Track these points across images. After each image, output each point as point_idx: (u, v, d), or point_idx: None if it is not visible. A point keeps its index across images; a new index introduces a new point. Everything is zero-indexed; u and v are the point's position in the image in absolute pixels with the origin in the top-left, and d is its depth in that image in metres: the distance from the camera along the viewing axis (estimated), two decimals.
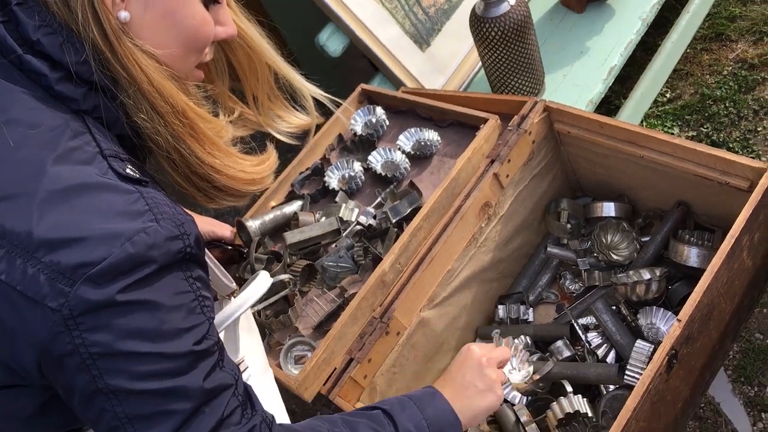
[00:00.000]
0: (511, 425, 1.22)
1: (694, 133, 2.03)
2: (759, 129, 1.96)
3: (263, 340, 1.22)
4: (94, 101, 0.73)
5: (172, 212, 0.70)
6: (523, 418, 1.22)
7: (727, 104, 2.03)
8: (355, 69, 1.86)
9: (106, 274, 0.64)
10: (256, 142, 0.95)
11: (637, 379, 1.18)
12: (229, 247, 1.36)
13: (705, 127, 2.03)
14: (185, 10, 0.77)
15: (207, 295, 0.73)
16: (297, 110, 1.00)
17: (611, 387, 1.23)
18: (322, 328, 1.27)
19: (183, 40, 0.78)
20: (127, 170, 0.71)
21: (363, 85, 1.63)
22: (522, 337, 1.33)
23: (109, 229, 0.66)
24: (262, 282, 1.03)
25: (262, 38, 0.94)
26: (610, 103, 2.13)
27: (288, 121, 0.99)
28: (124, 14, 0.73)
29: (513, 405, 1.25)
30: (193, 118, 0.77)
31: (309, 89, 0.98)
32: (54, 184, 0.67)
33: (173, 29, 0.77)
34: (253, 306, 1.23)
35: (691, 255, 1.25)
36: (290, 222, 1.42)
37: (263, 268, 1.34)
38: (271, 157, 0.90)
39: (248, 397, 0.76)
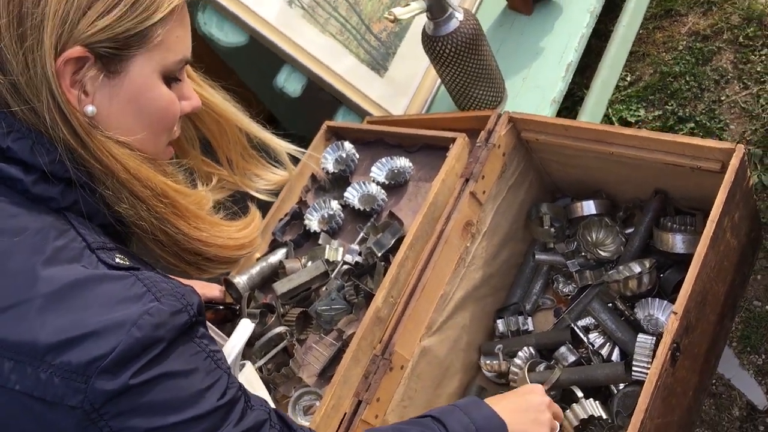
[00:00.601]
0: None
1: (660, 112, 2.06)
2: (722, 98, 1.99)
3: (270, 395, 1.21)
4: (73, 197, 0.73)
5: (171, 287, 0.70)
6: None
7: (687, 79, 2.06)
8: (318, 102, 1.87)
9: (118, 362, 0.65)
10: (237, 204, 0.95)
11: (644, 372, 1.19)
12: (221, 307, 1.36)
13: (669, 104, 2.05)
14: (149, 95, 0.77)
15: (216, 348, 0.74)
16: (273, 166, 1.01)
17: (621, 385, 1.23)
18: (325, 374, 1.27)
19: (151, 124, 0.79)
20: (117, 259, 0.71)
21: (328, 123, 1.63)
22: (525, 348, 1.33)
23: (113, 318, 0.66)
24: (243, 329, 1.04)
25: (227, 102, 0.94)
26: (573, 95, 2.15)
27: (266, 179, 1.00)
28: (90, 109, 0.74)
29: None
30: (174, 196, 0.78)
31: (282, 146, 0.99)
32: (48, 287, 0.67)
33: (140, 115, 0.77)
34: (253, 362, 1.23)
35: (676, 242, 1.26)
36: (277, 271, 1.42)
37: (257, 322, 1.34)
38: (256, 218, 0.90)
39: (283, 422, 0.78)
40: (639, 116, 2.06)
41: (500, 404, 0.96)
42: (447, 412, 0.89)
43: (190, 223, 0.79)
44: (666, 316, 1.24)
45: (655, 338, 1.20)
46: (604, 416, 1.20)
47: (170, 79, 0.80)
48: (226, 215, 0.88)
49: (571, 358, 1.30)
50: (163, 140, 0.82)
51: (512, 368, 1.33)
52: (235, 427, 0.71)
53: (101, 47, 0.73)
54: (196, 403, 0.68)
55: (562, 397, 1.28)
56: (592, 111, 1.97)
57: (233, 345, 0.99)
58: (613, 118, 2.10)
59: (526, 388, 1.06)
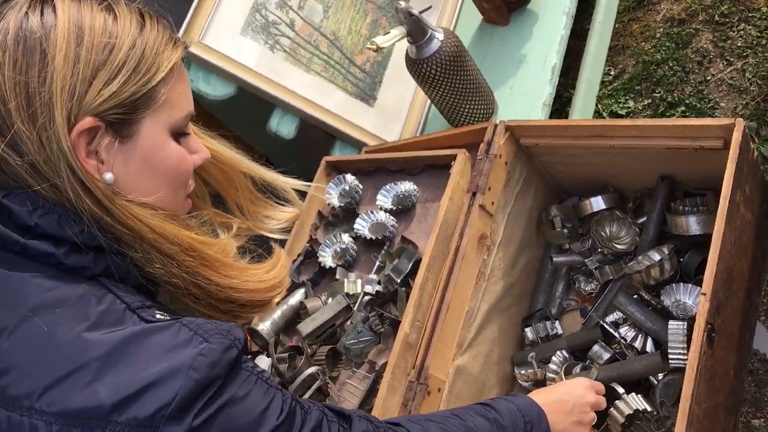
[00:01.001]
0: None
1: (649, 101, 2.07)
2: (708, 78, 2.01)
3: None
4: (105, 263, 0.74)
5: (215, 326, 0.71)
6: None
7: (670, 64, 2.08)
8: (313, 141, 1.88)
9: (182, 407, 0.66)
10: (260, 247, 0.95)
11: (681, 359, 1.18)
12: (249, 356, 1.35)
13: (657, 92, 2.07)
14: (162, 153, 0.79)
15: (261, 369, 0.75)
16: (282, 205, 1.01)
17: (660, 375, 1.22)
18: (364, 407, 1.25)
19: (168, 181, 0.80)
20: (157, 315, 0.72)
21: (326, 158, 1.64)
22: (558, 353, 1.32)
23: (168, 366, 0.67)
24: (261, 365, 1.04)
25: (229, 149, 0.95)
26: (561, 97, 2.17)
27: (277, 218, 1.00)
28: (109, 176, 0.75)
29: None
30: (200, 248, 0.79)
31: (287, 183, 0.99)
32: (101, 349, 0.67)
33: (156, 174, 0.79)
34: None
35: (690, 224, 1.26)
36: (299, 313, 1.41)
37: (287, 366, 1.33)
38: (282, 256, 0.91)
39: (336, 412, 0.80)
40: (629, 108, 2.08)
41: (544, 401, 1.01)
42: (491, 400, 0.97)
43: (219, 272, 0.80)
44: (693, 299, 1.23)
45: (686, 323, 1.20)
46: (649, 408, 1.19)
47: (178, 134, 0.81)
48: (252, 259, 0.88)
49: (606, 356, 1.29)
50: (181, 195, 0.83)
51: (548, 374, 1.32)
52: None
53: (110, 114, 0.74)
54: (260, 424, 0.70)
55: (604, 395, 1.26)
56: (582, 110, 1.98)
57: None
58: (604, 114, 2.12)
59: (571, 384, 1.08)
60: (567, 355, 1.32)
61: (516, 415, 0.94)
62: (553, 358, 1.32)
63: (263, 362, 1.31)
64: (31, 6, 0.74)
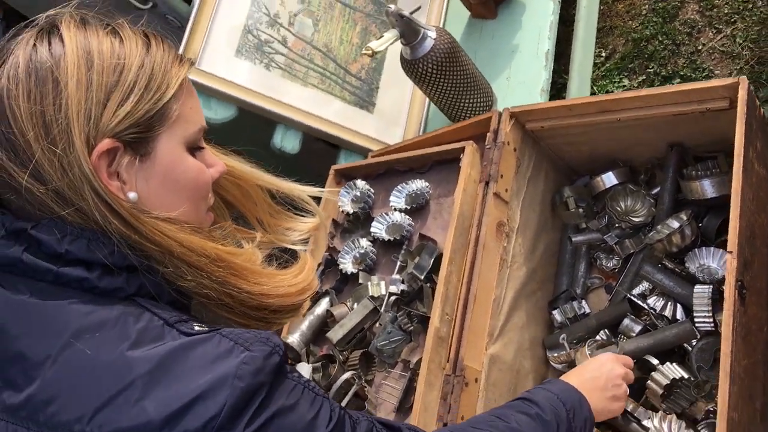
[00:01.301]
0: (620, 419, 1.20)
1: (644, 77, 2.09)
2: (699, 47, 2.02)
3: None
4: (138, 282, 0.74)
5: (254, 335, 0.72)
6: (630, 407, 1.20)
7: (660, 39, 2.10)
8: (317, 154, 1.89)
9: (231, 416, 0.66)
10: (285, 252, 0.95)
11: (708, 322, 1.19)
12: (293, 366, 1.35)
13: (650, 67, 2.08)
14: (181, 168, 0.79)
15: (307, 379, 0.75)
16: (302, 215, 1.02)
17: (694, 341, 1.22)
18: (403, 407, 1.25)
19: (189, 195, 0.80)
20: (195, 327, 0.72)
21: (335, 167, 1.65)
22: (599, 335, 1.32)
23: (213, 378, 0.67)
24: (301, 371, 1.04)
25: (244, 164, 0.96)
26: (556, 84, 2.18)
27: (298, 230, 1.00)
28: (133, 195, 0.75)
29: None
30: (228, 258, 0.79)
31: (305, 191, 1.00)
32: (145, 366, 0.68)
33: (177, 189, 0.79)
34: None
35: (705, 188, 1.26)
36: (327, 321, 1.41)
37: (321, 375, 1.33)
38: (308, 260, 0.91)
39: (387, 426, 0.81)
40: (624, 86, 2.09)
41: (578, 381, 1.03)
42: (530, 392, 0.98)
43: (249, 280, 0.80)
44: (717, 261, 1.24)
45: (711, 287, 1.20)
46: (686, 376, 1.19)
47: (194, 149, 0.82)
48: (279, 265, 0.89)
49: (637, 328, 1.29)
50: (203, 208, 0.84)
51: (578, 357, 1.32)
52: None
53: (127, 134, 0.74)
54: None
55: (640, 368, 1.27)
56: (578, 93, 1.99)
57: None
58: (600, 94, 2.13)
59: (601, 360, 1.10)
60: (605, 337, 1.32)
61: (556, 404, 0.95)
62: (589, 340, 1.31)
63: (304, 369, 1.32)
64: (38, 38, 0.75)
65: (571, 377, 1.06)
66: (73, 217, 0.73)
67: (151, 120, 0.76)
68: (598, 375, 1.07)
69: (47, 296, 0.72)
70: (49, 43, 0.74)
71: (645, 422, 1.16)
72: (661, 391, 1.20)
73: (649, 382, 1.21)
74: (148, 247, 0.74)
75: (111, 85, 0.74)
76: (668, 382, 1.20)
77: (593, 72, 2.12)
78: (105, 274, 0.73)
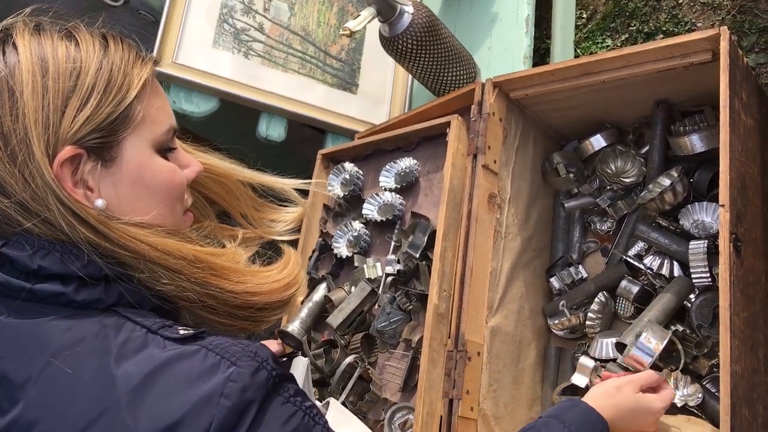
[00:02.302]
0: None
1: (627, 35, 2.07)
2: (680, 2, 2.00)
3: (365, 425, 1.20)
4: (116, 291, 0.73)
5: (241, 348, 0.70)
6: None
7: None
8: (304, 140, 1.88)
9: None
10: (270, 249, 0.95)
11: (704, 277, 1.18)
12: (284, 359, 1.35)
13: (632, 25, 2.06)
14: (150, 171, 0.77)
15: (310, 404, 0.73)
16: (286, 206, 1.00)
17: (692, 298, 1.22)
18: (408, 386, 1.26)
19: (161, 197, 0.78)
20: (181, 331, 0.71)
21: (321, 151, 1.64)
22: (597, 299, 1.31)
23: (199, 395, 0.65)
24: (299, 366, 1.04)
25: (223, 160, 0.94)
26: (539, 50, 2.16)
27: (283, 220, 0.99)
28: (100, 202, 0.73)
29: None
30: (207, 258, 0.77)
31: (287, 184, 0.98)
32: (129, 383, 0.66)
33: (148, 192, 0.77)
34: (337, 396, 1.23)
35: (694, 142, 1.25)
36: (325, 307, 1.41)
37: (324, 361, 1.33)
38: (292, 254, 0.89)
39: None
40: (607, 46, 2.07)
41: (598, 396, 0.98)
42: (545, 426, 0.92)
43: (231, 279, 0.78)
44: (711, 215, 1.23)
45: (706, 241, 1.20)
46: (681, 329, 1.19)
47: (164, 150, 0.80)
48: (263, 262, 0.87)
49: (635, 289, 1.28)
50: (178, 210, 0.82)
51: (588, 323, 1.31)
52: None
53: (89, 140, 0.73)
54: None
55: None
56: (562, 57, 1.98)
57: None
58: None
59: (648, 397, 1.02)
60: (604, 299, 1.31)
61: None
62: (592, 306, 1.31)
63: (301, 363, 1.31)
64: None
65: (603, 400, 0.98)
66: (40, 228, 0.71)
67: (114, 124, 0.74)
68: (638, 415, 1.00)
69: (24, 315, 0.71)
70: (3, 53, 0.73)
71: None
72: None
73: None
74: (120, 254, 0.72)
75: (68, 91, 0.72)
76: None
77: (576, 34, 2.11)
78: (82, 286, 0.71)
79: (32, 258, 0.71)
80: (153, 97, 0.79)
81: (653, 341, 1.11)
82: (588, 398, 0.99)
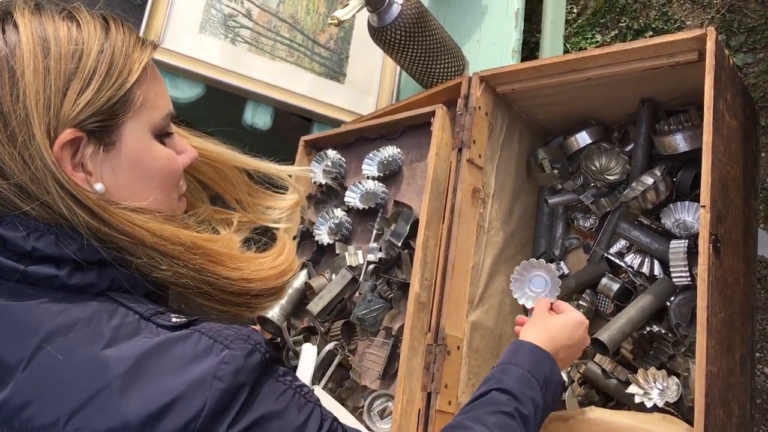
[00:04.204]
0: (602, 379, 1.21)
1: (616, 32, 2.07)
2: None
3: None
4: (110, 275, 0.72)
5: (234, 332, 0.70)
6: (608, 367, 1.21)
7: None
8: (290, 128, 1.86)
9: (212, 418, 0.64)
10: (264, 235, 0.94)
11: (684, 276, 1.19)
12: (287, 368, 1.35)
13: (622, 21, 2.06)
14: (149, 156, 0.77)
15: (300, 383, 0.73)
16: (281, 193, 1.00)
17: (672, 297, 1.22)
18: (387, 374, 1.26)
19: (159, 183, 0.78)
20: (173, 319, 0.71)
21: (304, 138, 1.63)
22: (585, 295, 1.31)
23: (192, 378, 0.65)
24: (309, 354, 1.04)
25: (218, 146, 0.93)
26: (528, 44, 2.16)
27: (278, 207, 0.99)
28: (99, 186, 0.73)
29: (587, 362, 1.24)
30: (204, 245, 0.77)
31: (283, 170, 0.98)
32: (121, 366, 0.66)
33: (146, 177, 0.77)
34: (317, 383, 1.23)
35: (678, 142, 1.26)
36: (305, 294, 1.41)
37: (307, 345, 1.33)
38: (287, 241, 0.89)
39: None
40: (597, 42, 2.07)
41: (547, 336, 1.01)
42: (504, 374, 0.94)
43: (228, 265, 0.78)
44: (692, 215, 1.24)
45: (686, 241, 1.20)
46: (656, 329, 1.20)
47: (162, 135, 0.79)
48: (258, 249, 0.87)
49: (615, 286, 1.29)
50: (174, 196, 0.81)
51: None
52: None
53: (90, 123, 0.72)
54: None
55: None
56: (551, 51, 1.98)
57: (303, 374, 0.99)
58: (573, 52, 2.11)
59: (565, 314, 1.07)
60: (591, 298, 1.32)
61: (530, 384, 0.92)
62: (581, 302, 1.31)
63: (310, 350, 1.26)
64: None
65: (539, 332, 1.02)
66: (38, 211, 0.70)
67: (114, 107, 0.73)
68: (564, 326, 1.04)
69: (16, 297, 0.70)
70: (3, 32, 0.71)
71: (630, 388, 1.16)
72: (630, 347, 1.21)
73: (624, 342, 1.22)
74: (119, 239, 0.72)
75: (70, 73, 0.71)
76: (637, 338, 1.21)
77: (565, 29, 2.10)
78: (75, 270, 0.71)
79: (26, 239, 0.70)
80: (152, 82, 0.78)
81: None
82: (524, 337, 1.01)
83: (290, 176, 1.00)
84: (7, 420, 0.67)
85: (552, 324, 1.04)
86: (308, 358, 1.02)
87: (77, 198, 0.70)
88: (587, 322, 1.08)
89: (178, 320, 0.71)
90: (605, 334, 1.17)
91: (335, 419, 0.75)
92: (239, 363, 0.67)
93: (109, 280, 0.72)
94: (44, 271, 0.70)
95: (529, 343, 0.99)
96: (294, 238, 1.51)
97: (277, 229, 0.96)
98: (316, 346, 1.07)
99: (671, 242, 1.21)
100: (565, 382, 1.00)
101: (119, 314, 0.70)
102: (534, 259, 1.36)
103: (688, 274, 1.19)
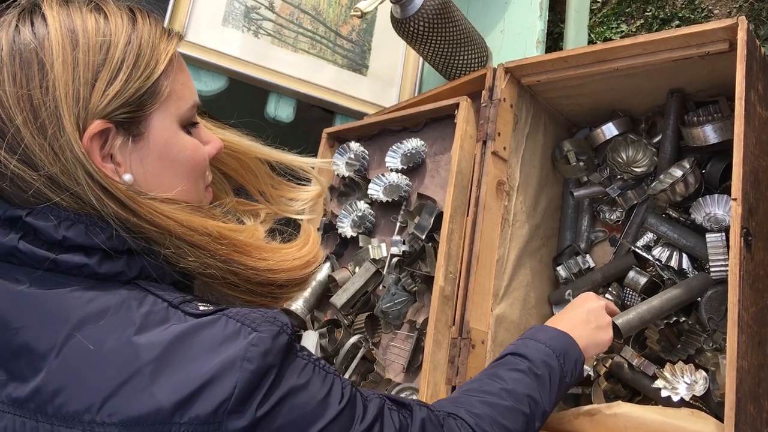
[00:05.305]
0: (628, 373, 1.20)
1: (642, 21, 2.04)
2: None
3: None
4: (139, 264, 0.73)
5: (260, 315, 0.71)
6: (635, 361, 1.20)
7: None
8: (313, 121, 1.86)
9: (242, 399, 0.65)
10: (289, 226, 0.94)
11: (724, 270, 1.17)
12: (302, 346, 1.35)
13: (648, 10, 2.03)
14: (176, 146, 0.77)
15: (318, 357, 0.75)
16: (303, 185, 1.00)
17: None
18: (412, 367, 1.26)
19: (186, 173, 0.79)
20: (201, 308, 0.71)
21: (326, 130, 1.62)
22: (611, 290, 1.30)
23: (222, 361, 0.66)
24: (309, 340, 1.04)
25: (241, 137, 0.94)
26: (552, 34, 2.14)
27: (301, 199, 0.99)
28: (128, 177, 0.74)
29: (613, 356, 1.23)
30: (231, 235, 0.78)
31: (305, 162, 0.98)
32: (152, 352, 0.67)
33: (174, 168, 0.77)
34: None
35: (708, 133, 1.24)
36: (329, 287, 1.41)
37: (327, 340, 1.33)
38: (312, 232, 0.90)
39: (398, 402, 0.80)
40: (622, 31, 2.04)
41: (562, 323, 1.04)
42: (521, 345, 0.97)
43: (254, 256, 0.79)
44: (723, 208, 1.21)
45: (723, 234, 1.18)
46: (683, 319, 1.18)
47: (188, 125, 0.80)
48: (283, 239, 0.87)
49: (642, 280, 1.27)
50: (201, 186, 0.82)
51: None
52: (363, 422, 0.72)
53: (119, 114, 0.73)
54: (323, 412, 0.70)
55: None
56: (576, 42, 1.95)
57: None
58: (598, 42, 2.09)
59: (580, 299, 1.11)
60: (618, 291, 1.30)
61: (547, 354, 0.95)
62: (607, 296, 1.30)
63: (311, 337, 1.31)
64: (21, 19, 0.73)
65: (555, 321, 1.06)
66: (68, 202, 0.71)
67: (142, 98, 0.74)
68: (580, 311, 1.07)
69: (47, 285, 0.71)
70: (32, 24, 0.72)
71: (656, 383, 1.15)
72: (657, 337, 1.20)
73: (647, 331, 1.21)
74: (147, 229, 0.73)
75: (98, 64, 0.72)
76: (662, 327, 1.19)
77: (590, 19, 2.08)
78: (105, 259, 0.72)
79: (57, 228, 0.71)
80: (178, 73, 0.79)
81: None
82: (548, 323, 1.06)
83: (312, 168, 1.00)
84: (40, 407, 0.68)
85: (562, 314, 1.09)
86: (309, 345, 1.03)
87: (107, 189, 0.71)
88: (593, 294, 1.12)
89: (206, 308, 0.72)
90: (621, 319, 1.16)
91: (353, 385, 0.76)
92: (267, 345, 0.68)
93: (138, 268, 0.73)
94: (74, 259, 0.71)
95: (552, 329, 1.01)
96: (317, 230, 1.51)
97: (302, 219, 0.96)
98: (317, 333, 1.09)
99: (708, 235, 1.18)
100: (585, 365, 1.03)
101: (148, 302, 0.71)
102: None
103: (727, 267, 1.16)
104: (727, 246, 1.16)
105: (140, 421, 0.66)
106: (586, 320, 1.05)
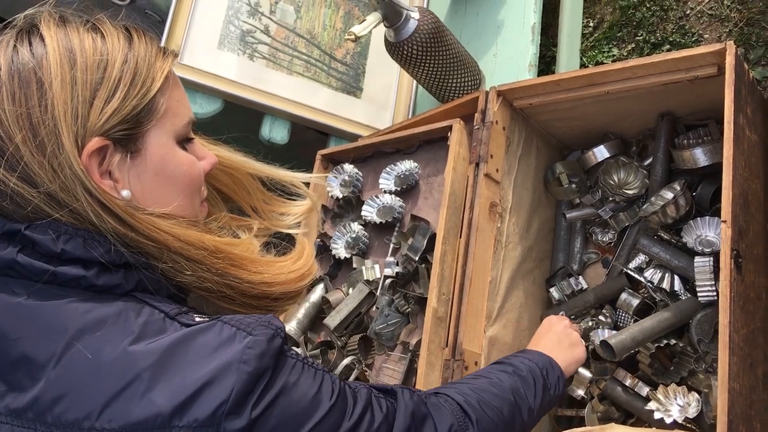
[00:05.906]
0: (621, 395, 1.20)
1: (633, 45, 2.06)
2: (687, 12, 2.00)
3: None
4: (136, 277, 0.74)
5: (254, 319, 0.72)
6: (627, 382, 1.20)
7: (647, 5, 2.07)
8: (307, 143, 1.87)
9: (239, 401, 0.66)
10: (283, 240, 0.95)
11: (711, 293, 1.17)
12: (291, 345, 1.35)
13: (639, 35, 2.06)
14: (172, 162, 0.78)
15: (306, 355, 0.77)
16: (294, 200, 1.01)
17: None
18: None
19: (182, 189, 0.80)
20: (196, 318, 0.72)
21: (321, 152, 1.63)
22: (605, 310, 1.30)
23: (219, 364, 0.67)
24: None
25: (234, 153, 0.95)
26: (544, 57, 2.16)
27: (292, 213, 1.00)
28: (125, 193, 0.74)
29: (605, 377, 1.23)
30: (226, 249, 0.79)
31: (296, 177, 0.99)
32: (150, 358, 0.68)
33: (170, 183, 0.79)
34: None
35: (698, 156, 1.25)
36: (322, 308, 1.41)
37: (321, 361, 1.33)
38: (306, 245, 0.91)
39: (382, 390, 0.82)
40: (614, 55, 2.07)
41: (539, 347, 1.11)
42: (503, 359, 1.04)
43: (249, 269, 0.80)
44: (713, 230, 1.23)
45: (711, 258, 1.19)
46: (673, 342, 1.18)
47: (184, 141, 0.81)
48: (278, 252, 0.88)
49: (635, 302, 1.28)
50: (197, 201, 0.84)
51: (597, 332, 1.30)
52: (353, 414, 0.74)
53: (116, 132, 0.74)
54: (316, 407, 0.71)
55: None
56: (568, 65, 1.97)
57: None
58: (590, 65, 2.11)
59: (545, 326, 1.18)
60: (610, 313, 1.31)
61: (531, 365, 1.02)
62: (600, 317, 1.30)
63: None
64: (19, 39, 0.74)
65: (532, 346, 1.14)
66: (67, 218, 0.72)
67: (139, 116, 0.75)
68: (550, 335, 1.14)
69: (45, 297, 0.72)
70: (30, 44, 0.73)
71: (649, 404, 1.15)
72: (648, 360, 1.20)
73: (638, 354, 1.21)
74: (145, 244, 0.74)
75: (96, 83, 0.73)
76: (653, 350, 1.19)
77: (582, 43, 2.10)
78: (102, 271, 0.72)
79: (55, 242, 0.71)
80: (174, 89, 0.80)
81: None
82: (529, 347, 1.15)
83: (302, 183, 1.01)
84: (39, 416, 0.69)
85: (534, 343, 1.16)
86: None
87: (105, 205, 0.72)
88: (555, 316, 1.20)
89: (201, 320, 0.72)
90: (614, 339, 1.16)
91: (342, 380, 0.77)
92: (263, 347, 0.68)
93: (135, 281, 0.74)
94: (72, 271, 0.72)
95: (532, 350, 1.09)
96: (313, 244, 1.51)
97: (296, 234, 0.97)
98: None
99: (696, 259, 1.19)
100: (579, 390, 1.05)
101: (145, 312, 0.72)
102: None
103: (714, 291, 1.17)
104: (715, 269, 1.17)
105: (140, 427, 0.66)
106: (559, 341, 1.13)
